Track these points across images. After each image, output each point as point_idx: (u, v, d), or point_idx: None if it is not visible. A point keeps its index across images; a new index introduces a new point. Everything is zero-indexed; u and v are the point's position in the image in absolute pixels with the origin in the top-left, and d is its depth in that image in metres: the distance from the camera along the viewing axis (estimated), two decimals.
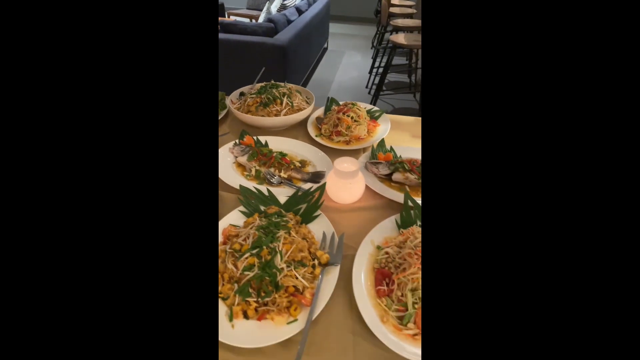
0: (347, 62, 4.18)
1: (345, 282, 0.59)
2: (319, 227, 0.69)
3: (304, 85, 3.45)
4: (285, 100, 1.06)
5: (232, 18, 4.72)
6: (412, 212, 0.73)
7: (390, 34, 2.90)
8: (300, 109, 1.07)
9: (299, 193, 0.77)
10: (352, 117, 1.05)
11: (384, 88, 3.19)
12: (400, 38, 2.27)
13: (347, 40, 4.93)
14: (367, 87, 3.39)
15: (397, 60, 3.94)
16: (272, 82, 1.14)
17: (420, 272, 0.56)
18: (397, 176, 0.85)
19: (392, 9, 3.39)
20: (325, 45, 4.53)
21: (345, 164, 0.76)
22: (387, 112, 1.17)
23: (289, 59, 2.54)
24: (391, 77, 3.52)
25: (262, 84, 1.13)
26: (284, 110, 1.05)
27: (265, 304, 0.53)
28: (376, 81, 2.95)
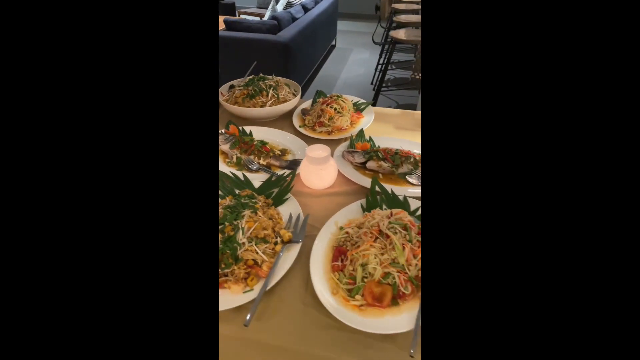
0: (355, 59, 4.19)
1: (305, 259, 0.63)
2: (288, 209, 0.73)
3: (309, 82, 3.49)
4: (271, 92, 1.10)
5: (242, 16, 4.80)
6: (378, 197, 0.76)
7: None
8: (286, 101, 1.11)
9: (273, 178, 0.81)
10: (335, 109, 1.08)
11: (388, 84, 3.20)
12: (400, 34, 2.27)
13: (355, 37, 4.94)
14: (372, 83, 3.40)
15: (405, 56, 3.93)
16: (261, 75, 1.18)
17: (371, 249, 0.59)
18: (371, 164, 0.87)
19: (398, 5, 3.38)
20: (334, 43, 4.55)
21: (317, 151, 0.79)
22: (389, 107, 1.19)
23: (291, 56, 2.58)
24: (397, 73, 3.52)
25: (251, 77, 1.17)
26: (270, 102, 1.09)
27: (225, 275, 0.57)
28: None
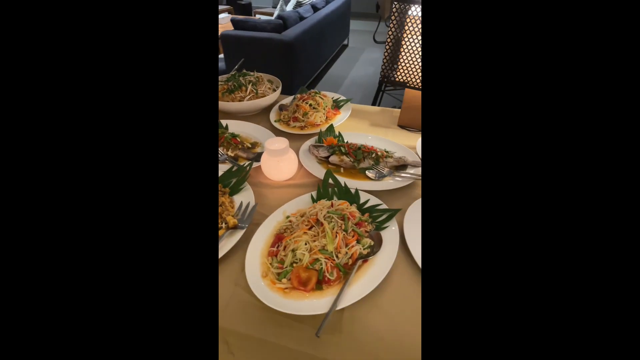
0: (365, 58, 4.19)
1: (247, 244, 0.66)
2: (243, 198, 0.77)
3: (317, 80, 3.52)
4: (250, 87, 1.14)
5: (257, 16, 4.88)
6: (330, 189, 0.78)
7: None
8: (264, 96, 1.14)
9: (234, 168, 0.84)
10: (310, 105, 1.11)
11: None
12: None
13: (369, 36, 4.93)
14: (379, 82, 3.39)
15: None
16: (244, 71, 1.22)
17: (303, 236, 0.61)
18: (333, 158, 0.90)
19: None
20: (346, 42, 4.56)
21: (276, 143, 0.82)
22: (394, 107, 1.20)
23: (295, 55, 2.62)
24: None
25: (232, 73, 1.21)
26: (248, 97, 1.13)
27: None
28: None
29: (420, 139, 0.99)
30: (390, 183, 0.82)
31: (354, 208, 0.71)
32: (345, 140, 0.98)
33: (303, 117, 1.08)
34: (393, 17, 0.88)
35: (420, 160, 0.89)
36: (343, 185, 0.78)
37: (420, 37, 0.88)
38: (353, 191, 0.77)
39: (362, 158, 0.88)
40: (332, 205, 0.69)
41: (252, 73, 1.21)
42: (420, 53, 0.91)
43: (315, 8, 3.39)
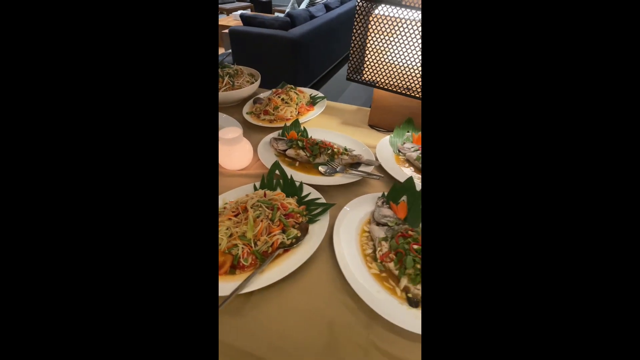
0: None
1: None
2: None
3: (324, 80, 3.53)
4: (226, 79, 1.16)
5: (276, 14, 4.94)
6: (274, 180, 0.79)
7: None
8: (240, 88, 1.17)
9: None
10: (283, 99, 1.12)
11: None
12: None
13: None
14: None
15: None
16: (225, 63, 1.25)
17: (227, 221, 0.63)
18: (290, 152, 0.91)
19: None
20: None
21: (230, 133, 0.84)
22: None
23: (300, 53, 2.64)
24: None
25: None
26: (224, 88, 1.15)
27: None
28: None
29: (383, 139, 0.99)
30: (338, 179, 0.82)
31: (291, 200, 0.72)
32: (310, 136, 0.99)
33: (274, 110, 1.09)
34: (357, 16, 0.88)
35: (373, 159, 0.89)
36: (289, 177, 0.79)
37: (384, 37, 0.88)
38: (298, 184, 0.78)
39: (318, 153, 0.89)
40: (265, 195, 0.70)
41: (232, 66, 1.23)
42: (384, 53, 0.90)
43: (328, 7, 3.41)
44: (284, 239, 0.63)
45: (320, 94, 1.24)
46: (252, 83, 1.22)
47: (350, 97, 3.15)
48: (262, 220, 0.63)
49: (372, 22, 0.88)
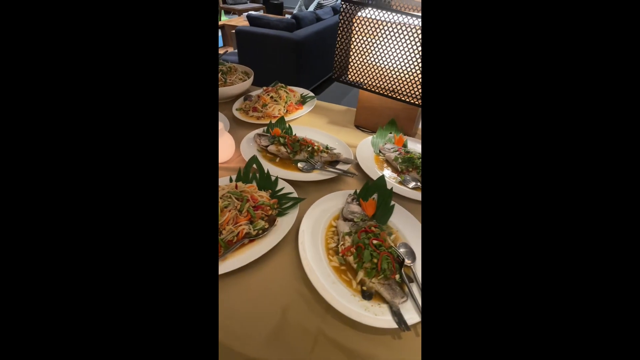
0: None
1: None
2: None
3: (329, 82, 3.55)
4: (219, 76, 1.20)
5: (287, 16, 5.00)
6: (251, 174, 0.82)
7: None
8: (233, 85, 1.20)
9: None
10: (272, 97, 1.15)
11: None
12: None
13: None
14: None
15: None
16: (221, 60, 1.28)
17: None
18: (271, 148, 0.93)
19: None
20: None
21: None
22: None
23: (303, 54, 2.67)
24: None
25: None
26: None
27: None
28: None
29: (365, 139, 1.01)
30: (314, 175, 0.84)
31: (263, 193, 0.74)
32: (294, 133, 1.02)
33: (262, 108, 1.12)
34: (341, 18, 0.90)
35: (352, 158, 0.90)
36: (266, 171, 0.81)
37: (368, 39, 0.90)
38: (273, 178, 0.80)
39: (298, 150, 0.91)
40: (236, 187, 0.72)
41: (226, 63, 1.26)
42: (368, 55, 0.92)
43: (335, 11, 3.44)
44: (250, 229, 0.65)
45: (311, 94, 1.26)
46: (245, 81, 1.24)
47: (354, 100, 3.16)
48: (229, 211, 0.65)
49: (356, 24, 0.89)
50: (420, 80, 0.85)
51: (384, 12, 0.85)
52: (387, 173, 0.89)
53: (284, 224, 0.68)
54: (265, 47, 2.70)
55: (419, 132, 1.12)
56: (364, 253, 0.60)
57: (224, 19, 5.32)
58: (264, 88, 1.20)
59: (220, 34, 4.60)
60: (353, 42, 0.93)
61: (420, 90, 0.87)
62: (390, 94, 0.94)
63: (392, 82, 0.91)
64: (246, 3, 6.08)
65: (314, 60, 2.90)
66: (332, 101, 1.24)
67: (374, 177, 0.83)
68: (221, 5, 5.91)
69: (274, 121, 1.05)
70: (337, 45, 0.96)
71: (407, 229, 0.70)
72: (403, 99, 0.92)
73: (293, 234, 0.68)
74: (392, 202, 0.75)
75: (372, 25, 0.87)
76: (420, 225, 0.70)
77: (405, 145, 0.99)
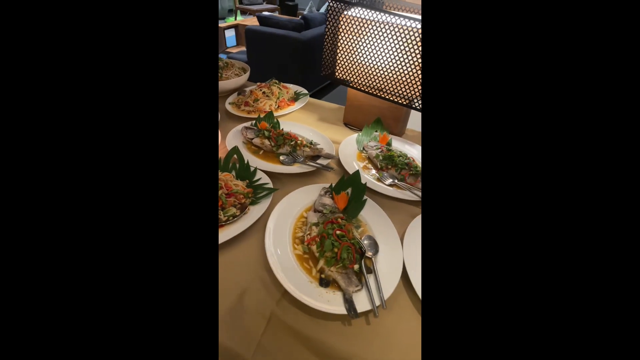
0: None
1: None
2: None
3: (335, 84, 3.57)
4: None
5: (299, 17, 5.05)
6: (231, 164, 0.84)
7: None
8: (228, 80, 1.23)
9: None
10: (264, 92, 1.18)
11: None
12: None
13: None
14: None
15: None
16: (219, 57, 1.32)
17: None
18: (256, 140, 0.95)
19: None
20: None
21: None
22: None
23: (310, 55, 2.70)
24: None
25: None
26: None
27: None
28: None
29: (350, 136, 1.02)
30: (294, 168, 0.86)
31: (239, 182, 0.77)
32: (281, 128, 1.04)
33: (254, 102, 1.15)
34: (329, 15, 0.92)
35: (332, 154, 0.92)
36: (246, 162, 0.84)
37: (354, 38, 0.91)
38: (252, 169, 0.82)
39: (282, 144, 0.93)
40: None
41: (223, 58, 1.30)
42: (354, 53, 0.94)
43: None
44: (220, 215, 0.67)
45: (305, 91, 1.28)
46: (239, 76, 1.27)
47: None
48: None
49: (343, 23, 0.91)
50: (404, 79, 0.86)
51: (370, 11, 0.86)
52: (369, 170, 0.90)
53: (254, 212, 0.70)
54: (273, 46, 2.74)
55: (409, 132, 1.12)
56: (325, 242, 0.61)
57: (239, 19, 5.40)
58: (258, 84, 1.23)
59: (234, 33, 4.69)
60: (340, 40, 0.94)
61: (404, 90, 0.88)
62: (376, 93, 0.95)
63: (378, 81, 0.92)
64: (262, 4, 6.17)
65: (319, 61, 2.92)
66: (339, 102, 1.26)
67: (352, 172, 0.85)
68: (237, 5, 6.01)
69: (259, 115, 1.07)
70: (325, 43, 0.98)
71: (375, 223, 0.71)
72: (388, 97, 0.93)
73: (263, 223, 0.69)
74: (365, 197, 0.76)
75: (358, 23, 0.88)
76: (388, 220, 0.71)
77: (389, 144, 1.00)
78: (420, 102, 0.88)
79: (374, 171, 0.90)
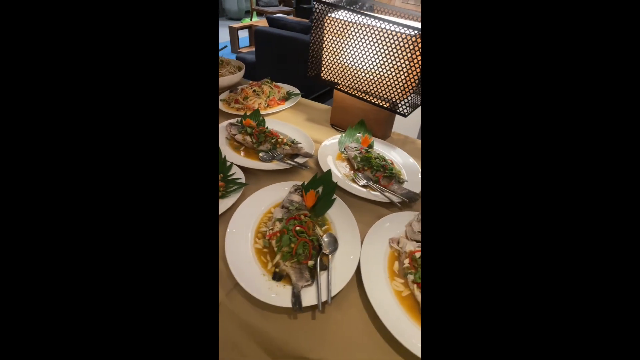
0: None
1: None
2: None
3: None
4: None
5: None
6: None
7: None
8: (222, 77, 1.26)
9: None
10: (254, 91, 1.20)
11: None
12: None
13: None
14: None
15: None
16: None
17: None
18: (238, 136, 0.97)
19: None
20: None
21: None
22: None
23: None
24: None
25: None
26: None
27: None
28: None
29: (333, 137, 1.03)
30: (271, 165, 0.88)
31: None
32: (266, 126, 1.05)
33: (244, 100, 1.17)
34: (314, 17, 0.94)
35: (311, 153, 0.93)
36: (223, 156, 0.85)
37: (339, 40, 0.92)
38: (228, 164, 0.84)
39: (263, 141, 0.95)
40: None
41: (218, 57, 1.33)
42: (339, 55, 0.95)
43: None
44: None
45: (297, 91, 1.30)
46: (233, 74, 1.30)
47: None
48: None
49: (327, 24, 0.92)
50: (387, 83, 0.87)
51: (355, 14, 0.87)
52: (345, 170, 0.91)
53: (221, 206, 0.72)
54: (281, 47, 2.77)
55: (394, 136, 1.13)
56: (283, 237, 0.62)
57: (255, 20, 5.48)
58: (250, 82, 1.25)
59: (247, 34, 4.77)
60: (325, 41, 0.96)
61: (387, 93, 0.88)
62: (359, 95, 0.96)
63: (362, 83, 0.93)
64: (278, 6, 6.25)
65: None
66: None
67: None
68: (253, 7, 6.11)
69: (245, 112, 1.09)
70: (311, 44, 0.99)
71: (340, 222, 0.71)
72: (371, 100, 0.94)
73: (229, 216, 0.71)
74: (335, 197, 0.76)
75: (342, 26, 0.90)
76: (353, 219, 0.71)
77: (370, 146, 1.00)
78: (404, 106, 0.89)
79: (351, 172, 0.91)
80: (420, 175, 0.91)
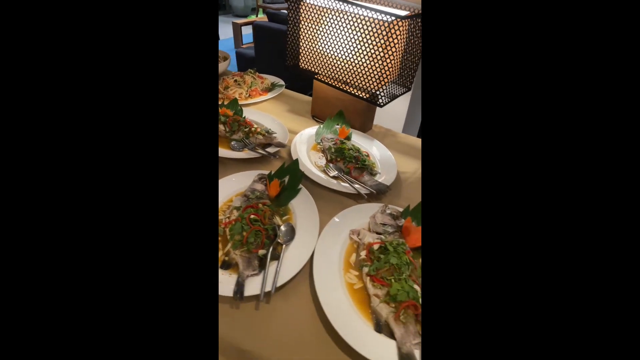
0: None
1: None
2: None
3: None
4: None
5: None
6: None
7: None
8: None
9: None
10: (236, 81, 1.18)
11: None
12: None
13: None
14: None
15: None
16: None
17: None
18: (220, 128, 0.95)
19: None
20: None
21: None
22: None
23: None
24: None
25: None
26: None
27: None
28: None
29: (309, 128, 1.00)
30: (242, 154, 0.86)
31: None
32: (244, 116, 1.03)
33: (224, 90, 1.15)
34: (290, 3, 0.91)
35: (284, 143, 0.91)
36: None
37: (315, 27, 0.90)
38: None
39: (236, 130, 0.93)
40: None
41: None
42: (316, 43, 0.92)
43: None
44: None
45: (281, 82, 1.28)
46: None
47: None
48: None
49: (303, 10, 0.90)
50: (365, 72, 0.84)
51: (329, 0, 0.84)
52: (321, 161, 0.88)
53: None
54: (279, 42, 2.75)
55: (375, 128, 1.09)
56: (235, 225, 0.60)
57: (260, 16, 5.48)
58: (234, 72, 1.23)
59: (251, 30, 4.76)
60: (302, 29, 0.93)
61: (365, 84, 0.85)
62: (338, 85, 0.93)
63: (340, 73, 0.90)
64: (282, 3, 6.24)
65: None
66: None
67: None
68: (259, 4, 6.11)
69: (223, 102, 1.07)
70: (288, 32, 0.97)
71: (301, 212, 0.69)
72: (349, 90, 0.91)
73: None
74: (300, 186, 0.74)
75: (317, 12, 0.87)
76: (316, 210, 0.69)
77: (348, 138, 0.97)
78: (380, 96, 0.86)
79: (324, 162, 0.88)
80: (396, 170, 0.88)
